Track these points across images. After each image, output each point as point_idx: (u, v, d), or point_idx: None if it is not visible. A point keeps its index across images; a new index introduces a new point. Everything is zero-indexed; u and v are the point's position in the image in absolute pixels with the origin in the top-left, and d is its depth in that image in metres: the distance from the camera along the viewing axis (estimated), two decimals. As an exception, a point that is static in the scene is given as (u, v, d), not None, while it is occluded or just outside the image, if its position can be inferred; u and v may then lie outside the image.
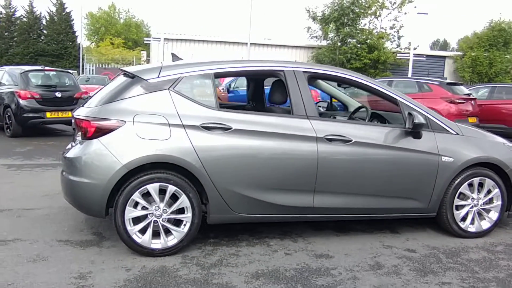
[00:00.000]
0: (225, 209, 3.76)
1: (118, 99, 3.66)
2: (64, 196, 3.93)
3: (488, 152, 4.31)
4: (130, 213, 3.58)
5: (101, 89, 4.31)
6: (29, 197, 5.26)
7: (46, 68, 11.21)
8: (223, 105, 4.29)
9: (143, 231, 3.63)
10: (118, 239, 3.93)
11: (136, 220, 3.62)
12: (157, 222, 3.64)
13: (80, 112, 3.81)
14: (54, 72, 11.06)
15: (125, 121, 3.56)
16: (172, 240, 3.67)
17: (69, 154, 3.73)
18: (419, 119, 3.95)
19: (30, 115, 9.86)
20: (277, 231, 4.33)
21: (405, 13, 31.58)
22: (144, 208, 3.61)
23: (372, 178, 4.03)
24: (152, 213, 3.62)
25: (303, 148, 3.83)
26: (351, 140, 3.93)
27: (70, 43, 38.55)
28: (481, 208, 4.36)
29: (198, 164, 3.61)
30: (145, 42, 30.86)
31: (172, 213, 3.66)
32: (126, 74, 3.96)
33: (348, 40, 30.75)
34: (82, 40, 38.91)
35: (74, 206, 3.84)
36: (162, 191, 3.62)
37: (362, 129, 4.04)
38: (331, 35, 30.63)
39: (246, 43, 27.82)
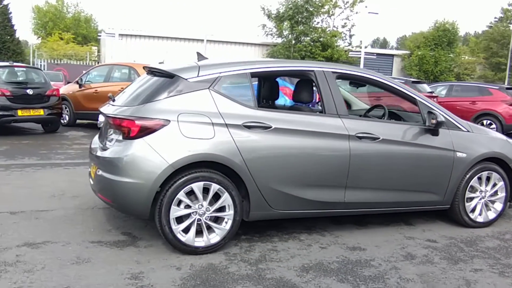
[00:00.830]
0: (264, 206, 3.84)
1: (158, 98, 3.64)
2: (100, 197, 3.86)
3: (495, 147, 4.65)
4: (175, 212, 3.58)
5: (128, 87, 4.28)
6: (35, 198, 5.07)
7: (15, 64, 10.70)
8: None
9: (186, 229, 3.64)
10: (152, 239, 3.94)
11: (179, 219, 3.63)
12: (200, 220, 3.67)
13: (116, 111, 3.76)
14: (24, 69, 10.58)
15: (169, 120, 3.56)
16: (214, 238, 3.71)
17: (108, 154, 3.67)
18: (441, 118, 4.21)
19: (1, 113, 9.39)
20: (300, 226, 4.45)
21: (356, 13, 32.59)
22: (187, 206, 3.63)
23: (396, 173, 4.25)
24: (195, 211, 3.64)
25: (337, 145, 3.98)
26: (379, 138, 4.12)
27: (8, 37, 36.42)
28: (488, 200, 4.70)
29: (241, 163, 3.67)
30: (98, 37, 29.95)
31: (214, 211, 3.69)
32: (160, 73, 3.94)
33: (302, 38, 31.31)
34: (31, 35, 37.07)
35: (114, 207, 3.78)
36: (204, 190, 3.65)
37: (387, 127, 4.25)
38: (285, 33, 31.07)
39: (203, 40, 27.67)
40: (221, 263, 3.55)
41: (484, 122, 13.09)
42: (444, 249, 4.05)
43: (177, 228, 3.61)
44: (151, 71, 4.12)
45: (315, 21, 32.22)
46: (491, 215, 4.73)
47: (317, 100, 5.27)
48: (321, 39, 31.14)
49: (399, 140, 4.22)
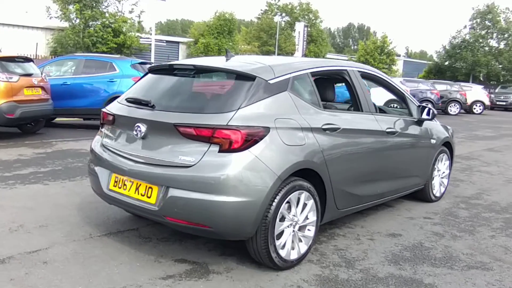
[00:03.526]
0: (333, 207, 3.82)
1: (249, 103, 3.22)
2: (179, 222, 3.18)
3: (446, 133, 5.56)
4: (279, 227, 3.30)
5: (161, 87, 3.65)
6: (4, 236, 3.82)
7: None
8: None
9: (282, 244, 3.38)
10: (218, 261, 3.57)
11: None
12: (293, 231, 3.45)
13: (191, 120, 3.17)
14: None
15: (269, 128, 3.21)
16: (303, 247, 3.54)
17: (199, 171, 3.05)
18: (435, 111, 4.84)
19: None
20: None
21: (145, -1, 32.01)
22: (281, 219, 3.36)
23: (405, 162, 4.74)
24: (291, 223, 3.41)
25: (379, 141, 4.22)
26: (398, 132, 4.51)
27: None
28: (441, 177, 5.60)
29: (324, 167, 3.57)
30: None
31: (303, 219, 3.52)
32: (226, 73, 3.47)
33: (92, 23, 29.23)
34: None
35: (214, 232, 3.14)
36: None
37: (397, 121, 4.65)
38: (72, 16, 28.48)
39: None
40: (324, 273, 3.43)
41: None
42: (446, 223, 4.73)
43: (279, 244, 3.33)
44: (197, 69, 3.60)
45: (103, 5, 30.38)
46: (442, 189, 5.67)
47: None
48: (112, 24, 29.58)
49: (405, 132, 4.70)
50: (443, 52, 47.16)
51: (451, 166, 5.81)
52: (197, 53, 36.46)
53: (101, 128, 3.95)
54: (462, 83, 29.12)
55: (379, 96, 19.79)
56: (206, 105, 3.32)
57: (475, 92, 26.52)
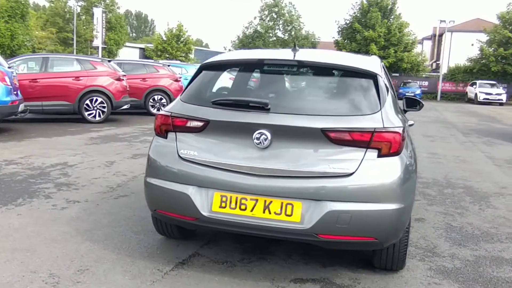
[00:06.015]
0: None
1: (383, 103, 3.01)
2: (344, 239, 2.83)
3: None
4: (408, 229, 3.24)
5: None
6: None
7: None
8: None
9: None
10: (335, 274, 3.33)
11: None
12: (405, 230, 3.43)
13: (340, 124, 2.85)
14: None
15: (404, 128, 3.09)
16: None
17: (366, 180, 2.78)
18: (422, 103, 5.25)
19: None
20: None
21: None
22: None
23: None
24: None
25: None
26: (411, 124, 4.77)
27: None
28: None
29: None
30: None
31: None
32: (346, 70, 3.19)
33: None
34: None
35: (378, 243, 2.84)
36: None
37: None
38: None
39: None
40: (431, 266, 3.48)
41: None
42: (436, 203, 5.23)
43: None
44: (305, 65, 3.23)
45: None
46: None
47: None
48: None
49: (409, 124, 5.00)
50: (237, 41, 49.83)
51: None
52: (-16, 39, 31.21)
53: (166, 135, 3.18)
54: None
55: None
56: (345, 106, 2.98)
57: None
